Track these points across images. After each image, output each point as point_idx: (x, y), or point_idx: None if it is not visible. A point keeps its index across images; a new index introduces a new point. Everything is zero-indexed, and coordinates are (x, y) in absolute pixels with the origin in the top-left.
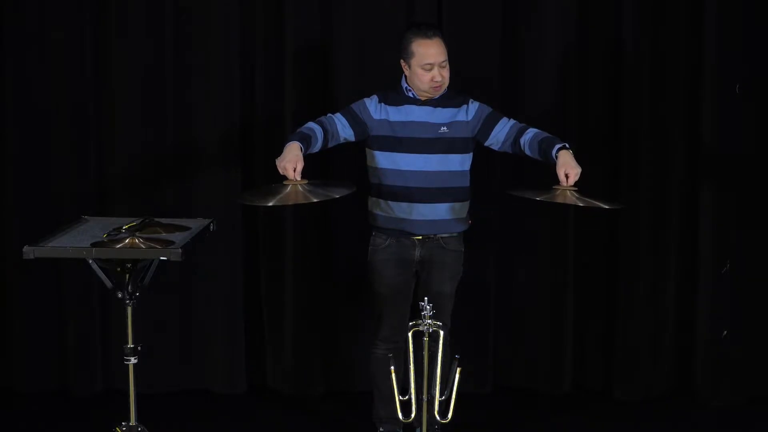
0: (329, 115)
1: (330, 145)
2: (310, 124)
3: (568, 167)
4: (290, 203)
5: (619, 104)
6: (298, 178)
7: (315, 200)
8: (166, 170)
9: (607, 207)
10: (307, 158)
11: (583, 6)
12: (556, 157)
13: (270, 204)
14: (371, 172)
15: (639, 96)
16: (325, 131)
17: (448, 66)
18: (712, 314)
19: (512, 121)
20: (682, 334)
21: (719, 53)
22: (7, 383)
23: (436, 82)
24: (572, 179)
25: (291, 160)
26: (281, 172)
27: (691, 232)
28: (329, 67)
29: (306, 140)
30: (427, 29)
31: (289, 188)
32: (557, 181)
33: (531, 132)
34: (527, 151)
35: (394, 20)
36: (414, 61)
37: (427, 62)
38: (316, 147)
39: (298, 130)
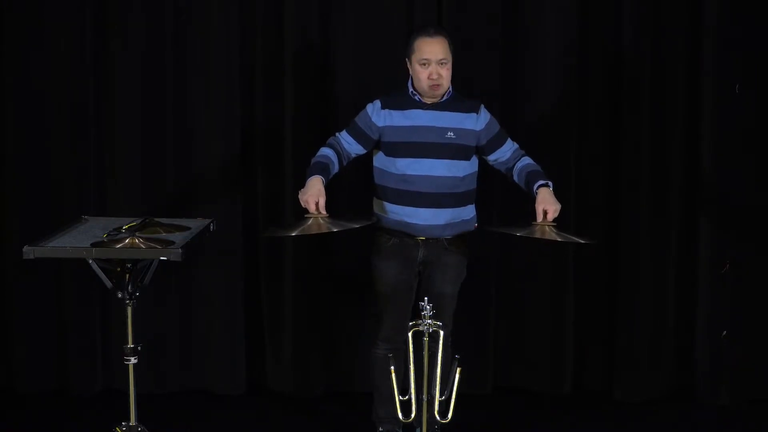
0: (336, 134)
1: (345, 164)
2: (325, 151)
3: (546, 204)
4: (313, 233)
5: (619, 104)
6: (323, 212)
7: (335, 230)
8: (166, 170)
9: (582, 242)
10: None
11: (583, 6)
12: (536, 192)
13: (293, 234)
14: (377, 173)
15: (639, 96)
16: (338, 153)
17: (449, 67)
18: (712, 315)
19: (515, 145)
20: (682, 335)
21: (719, 53)
22: (7, 383)
23: (433, 79)
24: (551, 216)
25: (313, 195)
26: (303, 206)
27: (691, 234)
28: (329, 68)
29: (326, 171)
30: (430, 28)
31: (311, 221)
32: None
33: (524, 161)
34: (515, 177)
35: (394, 21)
36: (414, 58)
37: (424, 58)
38: (334, 171)
39: (315, 160)
